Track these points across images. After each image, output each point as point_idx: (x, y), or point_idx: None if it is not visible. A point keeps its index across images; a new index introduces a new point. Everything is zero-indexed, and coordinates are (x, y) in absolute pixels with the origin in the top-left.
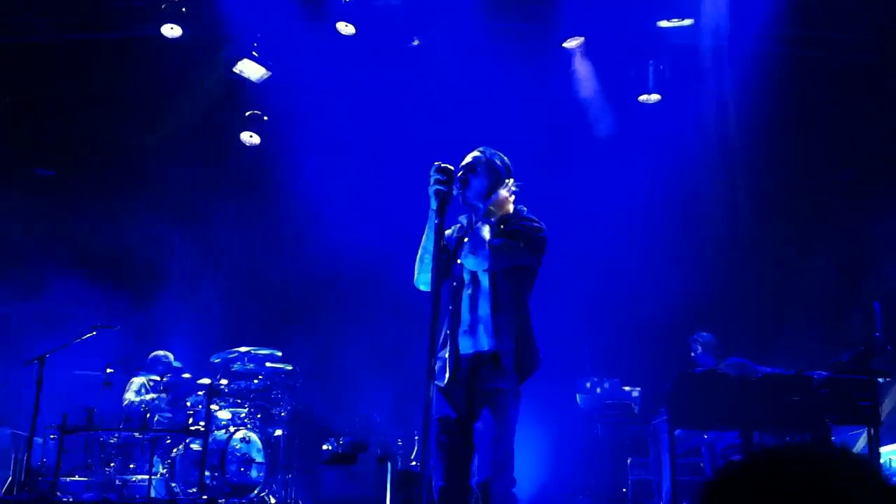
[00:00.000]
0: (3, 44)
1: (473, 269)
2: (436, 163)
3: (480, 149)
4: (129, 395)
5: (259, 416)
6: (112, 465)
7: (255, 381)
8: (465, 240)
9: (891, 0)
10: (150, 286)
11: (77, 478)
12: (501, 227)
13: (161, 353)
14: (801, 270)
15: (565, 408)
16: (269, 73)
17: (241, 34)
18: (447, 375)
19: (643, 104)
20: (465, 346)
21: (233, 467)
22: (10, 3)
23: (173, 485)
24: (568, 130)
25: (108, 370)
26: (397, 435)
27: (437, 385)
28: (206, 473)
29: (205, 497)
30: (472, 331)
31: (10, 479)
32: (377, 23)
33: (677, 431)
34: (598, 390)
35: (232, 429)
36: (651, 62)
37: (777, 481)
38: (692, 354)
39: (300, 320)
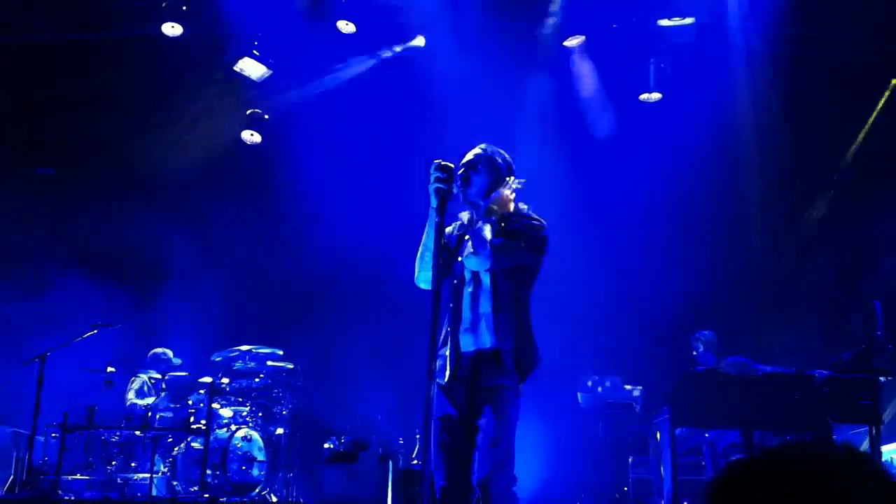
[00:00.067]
0: (3, 44)
1: (475, 270)
2: (436, 160)
3: (482, 146)
4: (131, 395)
5: (260, 414)
6: (113, 463)
7: (257, 380)
8: (466, 237)
9: (891, 0)
10: (150, 285)
11: (78, 476)
12: (502, 225)
13: (160, 350)
14: (802, 270)
15: (566, 406)
16: (270, 72)
17: (242, 33)
18: (448, 374)
19: (644, 103)
20: (467, 343)
21: (234, 466)
22: (10, 3)
23: (175, 483)
24: (568, 129)
25: (109, 369)
26: (398, 433)
27: (438, 383)
28: (208, 472)
29: (206, 495)
30: (474, 328)
31: (11, 477)
32: (377, 21)
33: (678, 430)
34: (600, 389)
35: (233, 427)
36: (652, 61)
37: (778, 481)
38: (693, 353)
39: (301, 319)
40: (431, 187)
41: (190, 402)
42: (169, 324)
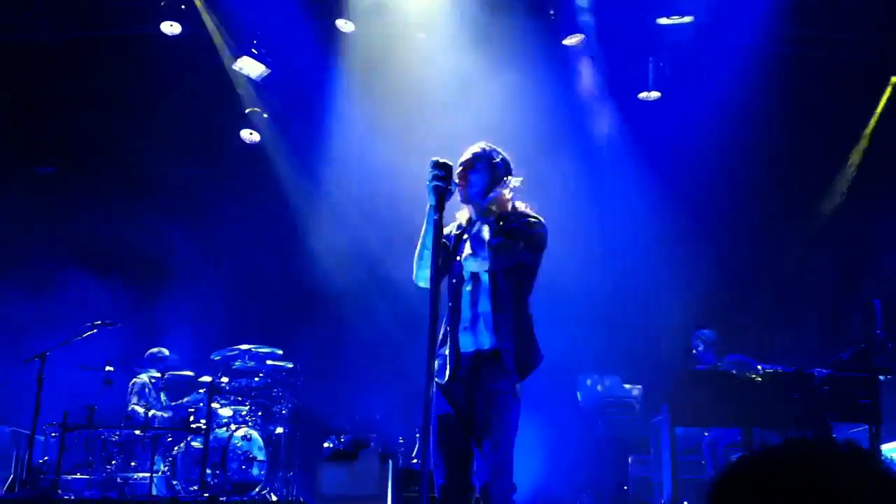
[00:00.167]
0: (3, 43)
1: (474, 271)
2: (434, 158)
3: (480, 145)
4: (133, 401)
5: (260, 413)
6: (113, 462)
7: (256, 379)
8: (465, 237)
9: (891, 0)
10: (150, 284)
11: (78, 476)
12: (501, 224)
13: (156, 350)
14: (802, 269)
15: (566, 405)
16: (269, 71)
17: (241, 31)
18: (447, 373)
19: (643, 101)
20: (466, 343)
21: (234, 465)
22: (10, 2)
23: (174, 483)
24: (568, 128)
25: (108, 368)
26: (398, 432)
27: (437, 382)
28: (208, 471)
29: (206, 495)
30: (473, 328)
31: (11, 476)
32: (377, 18)
33: (678, 429)
34: (599, 388)
35: (233, 427)
36: (651, 59)
37: (779, 479)
38: (693, 352)
39: (301, 318)
40: (430, 185)
41: (187, 400)
42: (169, 323)
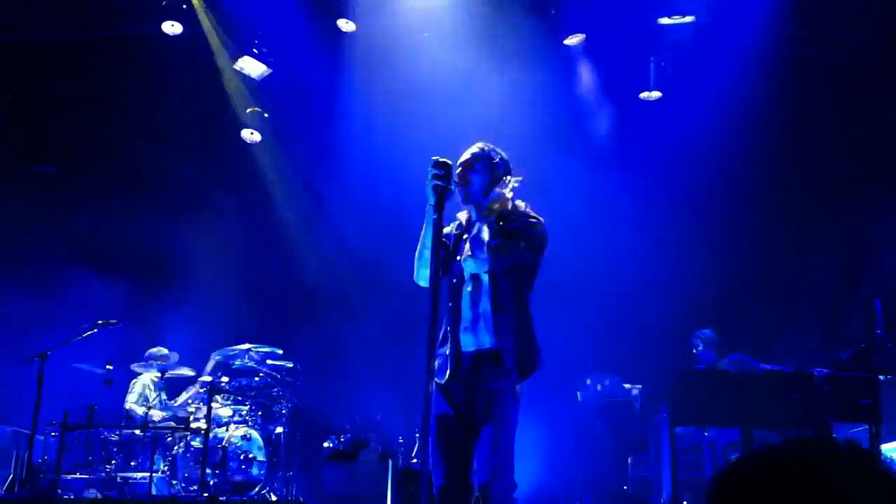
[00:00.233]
0: (3, 43)
1: (474, 272)
2: (433, 157)
3: (479, 145)
4: (131, 399)
5: (260, 413)
6: (113, 462)
7: (256, 379)
8: (465, 237)
9: (891, 0)
10: (151, 284)
11: (78, 475)
12: (501, 224)
13: (155, 349)
14: (802, 268)
15: (566, 405)
16: (270, 71)
17: (242, 31)
18: (447, 373)
19: (644, 101)
20: (467, 343)
21: (234, 465)
22: (10, 2)
23: (174, 482)
24: (568, 128)
25: (108, 367)
26: (398, 432)
27: (436, 382)
28: (207, 471)
29: (206, 495)
30: (474, 327)
31: (11, 476)
32: (377, 18)
33: (678, 429)
34: (599, 387)
35: (233, 426)
36: (652, 59)
37: (779, 479)
38: (693, 351)
39: (301, 318)
40: (429, 184)
41: (188, 399)
42: (169, 322)
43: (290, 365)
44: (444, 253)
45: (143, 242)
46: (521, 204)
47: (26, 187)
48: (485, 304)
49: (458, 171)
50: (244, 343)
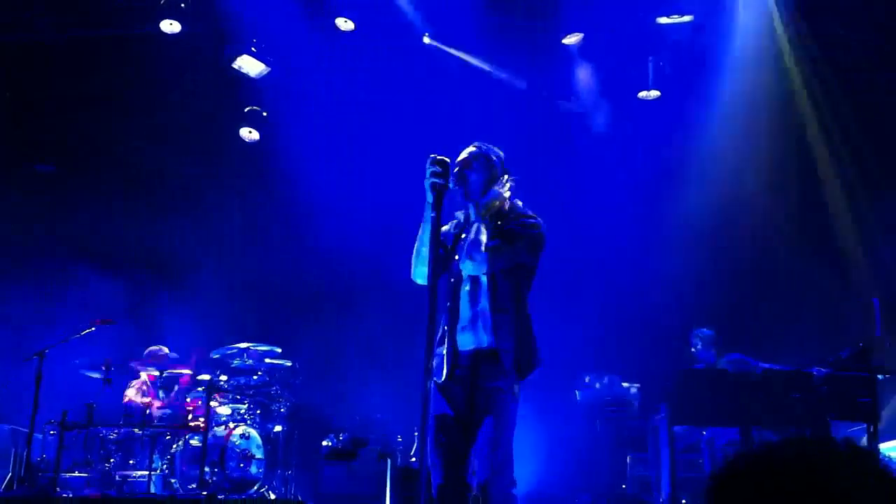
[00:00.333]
0: (3, 43)
1: (473, 274)
2: (431, 155)
3: (476, 144)
4: (130, 393)
5: (259, 412)
6: (112, 461)
7: (255, 378)
8: (463, 236)
9: (891, 0)
10: (150, 282)
11: (77, 474)
12: (498, 223)
13: (156, 347)
14: (802, 268)
15: (565, 404)
16: (269, 69)
17: (241, 30)
18: (445, 372)
19: (643, 101)
20: (464, 342)
21: (232, 463)
22: (10, 2)
23: (173, 481)
24: (567, 127)
25: (107, 368)
26: (397, 431)
27: (434, 382)
28: (206, 469)
29: (204, 493)
30: (472, 327)
31: (9, 475)
32: (377, 18)
33: (676, 428)
34: (598, 386)
35: (231, 425)
36: (651, 59)
37: (778, 478)
38: (692, 350)
39: (300, 316)
40: (427, 182)
41: (188, 399)
42: (168, 320)
43: (289, 363)
44: (443, 252)
45: (143, 242)
46: (519, 203)
47: (26, 187)
48: (483, 304)
49: (455, 169)
50: (243, 341)
